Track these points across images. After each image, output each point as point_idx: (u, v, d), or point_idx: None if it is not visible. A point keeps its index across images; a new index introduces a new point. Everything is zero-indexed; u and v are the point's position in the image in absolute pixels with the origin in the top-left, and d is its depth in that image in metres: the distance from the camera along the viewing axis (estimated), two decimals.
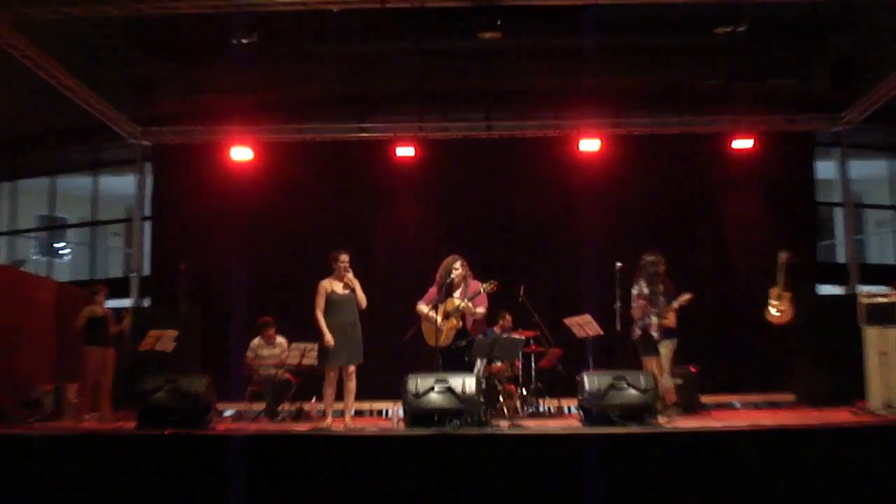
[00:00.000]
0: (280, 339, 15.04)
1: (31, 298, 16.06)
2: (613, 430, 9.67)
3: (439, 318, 11.95)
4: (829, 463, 8.74)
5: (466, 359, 12.15)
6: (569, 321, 14.24)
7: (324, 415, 11.97)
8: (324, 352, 11.72)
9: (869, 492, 8.59)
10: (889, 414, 12.12)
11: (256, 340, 14.98)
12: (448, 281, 12.15)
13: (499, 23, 19.78)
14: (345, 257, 11.91)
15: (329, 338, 11.55)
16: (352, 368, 11.71)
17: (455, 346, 12.11)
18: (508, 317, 15.06)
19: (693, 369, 14.43)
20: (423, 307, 12.32)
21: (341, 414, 11.87)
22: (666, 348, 12.76)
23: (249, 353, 14.84)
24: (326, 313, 11.70)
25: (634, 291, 12.68)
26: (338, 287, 11.79)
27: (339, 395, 11.92)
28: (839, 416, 12.28)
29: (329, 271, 11.96)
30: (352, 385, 11.73)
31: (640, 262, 12.82)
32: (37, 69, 15.79)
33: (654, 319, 12.42)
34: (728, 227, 19.44)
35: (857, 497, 8.57)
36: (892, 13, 17.93)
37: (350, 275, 11.84)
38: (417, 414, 10.19)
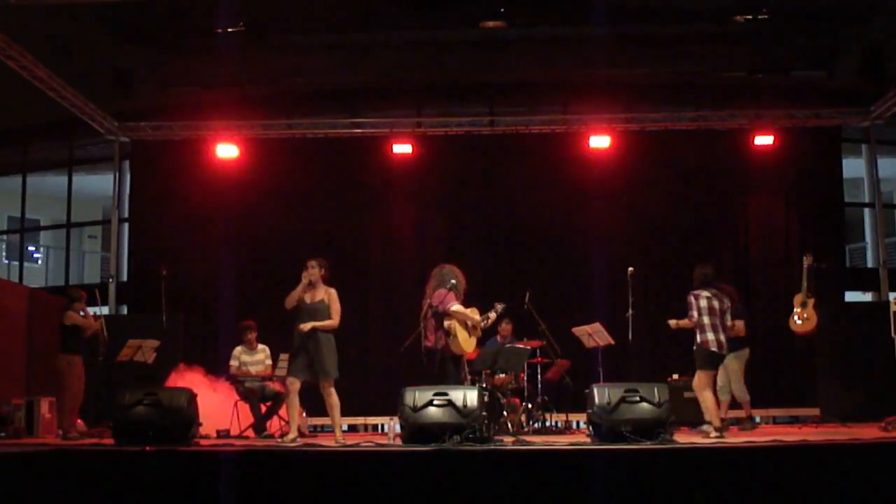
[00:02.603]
0: (261, 346, 15.07)
1: (1, 306, 16.09)
2: (625, 446, 9.70)
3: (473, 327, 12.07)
4: (856, 482, 8.77)
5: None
6: (577, 330, 14.31)
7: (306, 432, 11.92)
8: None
9: None
10: None
11: (238, 348, 15.00)
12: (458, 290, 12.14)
13: (502, 10, 19.91)
14: (310, 262, 11.89)
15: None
16: (327, 383, 11.70)
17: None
18: (506, 325, 15.06)
19: None
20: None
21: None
22: (740, 358, 13.81)
23: (233, 363, 14.82)
24: (294, 321, 11.73)
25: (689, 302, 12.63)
26: (307, 295, 11.80)
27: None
28: (868, 432, 12.33)
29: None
30: (332, 400, 11.70)
31: (706, 272, 12.74)
32: (6, 59, 15.83)
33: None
34: (749, 230, 19.43)
35: None
36: None
37: (306, 281, 11.84)
38: (415, 429, 10.22)
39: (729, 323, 12.43)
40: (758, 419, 17.77)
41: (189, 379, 14.72)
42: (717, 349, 12.33)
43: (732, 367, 14.05)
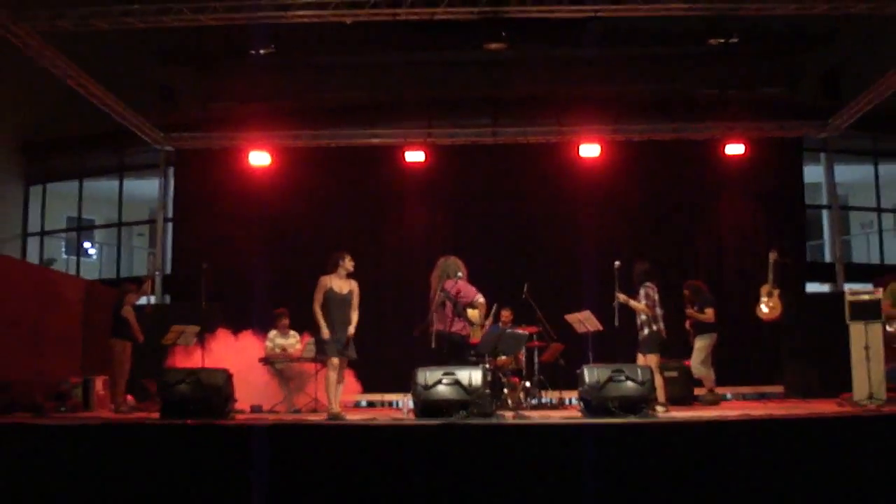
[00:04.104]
0: (293, 332, 15.06)
1: (61, 296, 16.16)
2: (612, 420, 9.71)
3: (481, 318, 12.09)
4: (814, 451, 8.79)
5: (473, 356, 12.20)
6: (570, 317, 14.28)
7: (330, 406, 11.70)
8: (323, 344, 11.65)
9: (852, 478, 8.65)
10: (871, 405, 12.17)
11: (273, 332, 14.99)
12: None
13: (504, 34, 19.89)
14: (348, 255, 11.87)
15: (327, 332, 11.47)
16: (345, 362, 11.68)
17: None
18: (506, 312, 15.01)
19: (687, 363, 14.51)
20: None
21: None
22: (705, 341, 14.03)
23: (268, 344, 14.82)
24: (325, 308, 11.60)
25: (648, 293, 12.71)
26: (336, 285, 11.72)
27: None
28: (825, 407, 12.33)
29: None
30: (342, 376, 11.70)
31: (650, 266, 12.90)
32: (65, 78, 15.88)
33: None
34: (721, 228, 19.49)
35: (842, 483, 8.63)
36: (874, 27, 18.00)
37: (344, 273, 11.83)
38: (426, 405, 10.20)
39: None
40: (729, 396, 17.80)
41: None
42: (665, 336, 12.46)
43: (698, 347, 14.10)
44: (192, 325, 14.37)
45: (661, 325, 12.57)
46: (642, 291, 12.65)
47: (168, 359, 14.60)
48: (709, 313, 14.10)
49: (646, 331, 12.55)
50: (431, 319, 11.74)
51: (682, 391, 14.50)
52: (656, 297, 12.60)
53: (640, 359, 12.44)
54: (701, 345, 14.16)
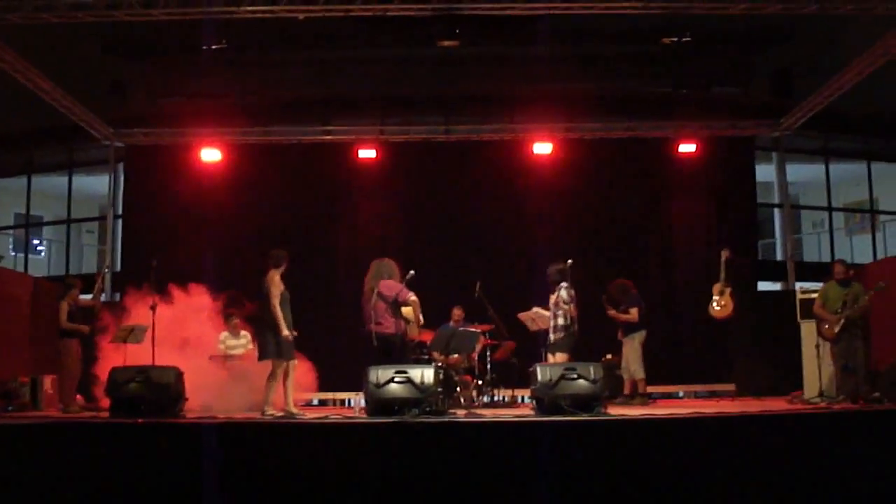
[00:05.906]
0: (244, 332, 14.97)
1: (8, 294, 15.98)
2: (564, 418, 9.76)
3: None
4: (766, 448, 8.89)
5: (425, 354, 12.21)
6: (522, 315, 14.34)
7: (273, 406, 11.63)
8: (283, 345, 11.56)
9: (803, 474, 8.75)
10: (822, 402, 12.31)
11: (224, 333, 14.90)
12: None
13: (457, 32, 19.93)
14: None
15: (287, 332, 11.37)
16: (294, 363, 11.64)
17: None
18: (457, 311, 15.02)
19: None
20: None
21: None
22: (634, 340, 13.99)
23: (220, 346, 14.72)
24: (282, 308, 11.49)
25: (570, 294, 12.76)
26: (283, 283, 11.65)
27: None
28: (776, 404, 12.48)
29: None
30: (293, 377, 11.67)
31: (566, 267, 12.93)
32: (13, 72, 15.70)
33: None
34: (674, 227, 19.56)
35: (791, 479, 8.73)
36: (825, 27, 18.22)
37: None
38: (378, 403, 10.23)
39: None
40: (681, 394, 17.93)
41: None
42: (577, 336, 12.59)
43: (630, 348, 14.14)
44: (140, 323, 14.25)
45: (576, 325, 12.66)
46: (564, 293, 12.67)
47: (107, 357, 14.38)
48: (633, 313, 14.12)
49: (562, 333, 12.60)
50: (369, 319, 11.68)
51: (620, 389, 14.52)
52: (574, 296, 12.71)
53: (551, 358, 12.50)
54: (631, 344, 14.16)
